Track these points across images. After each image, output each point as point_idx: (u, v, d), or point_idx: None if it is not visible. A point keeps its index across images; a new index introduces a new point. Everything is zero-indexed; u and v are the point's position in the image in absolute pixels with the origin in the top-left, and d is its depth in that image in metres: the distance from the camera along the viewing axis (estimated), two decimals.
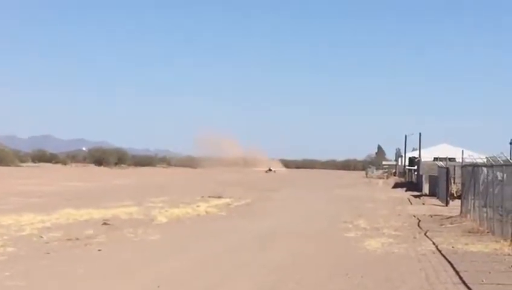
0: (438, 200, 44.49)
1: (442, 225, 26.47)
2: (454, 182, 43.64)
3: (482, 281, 13.51)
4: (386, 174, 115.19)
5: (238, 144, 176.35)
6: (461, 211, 30.92)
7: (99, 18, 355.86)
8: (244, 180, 75.35)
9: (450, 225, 26.15)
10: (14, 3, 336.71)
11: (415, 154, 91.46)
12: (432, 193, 50.32)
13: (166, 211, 29.10)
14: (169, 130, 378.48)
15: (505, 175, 21.75)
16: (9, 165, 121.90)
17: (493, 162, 23.97)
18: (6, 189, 45.19)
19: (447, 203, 39.56)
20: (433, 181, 51.78)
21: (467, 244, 19.58)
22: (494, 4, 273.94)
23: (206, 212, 30.28)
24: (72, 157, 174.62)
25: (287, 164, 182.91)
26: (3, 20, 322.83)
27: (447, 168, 43.06)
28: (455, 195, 40.62)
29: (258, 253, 17.39)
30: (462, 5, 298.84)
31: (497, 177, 23.06)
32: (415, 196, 50.98)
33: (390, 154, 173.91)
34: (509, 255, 17.32)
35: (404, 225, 25.97)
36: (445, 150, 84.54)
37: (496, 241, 19.80)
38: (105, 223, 23.37)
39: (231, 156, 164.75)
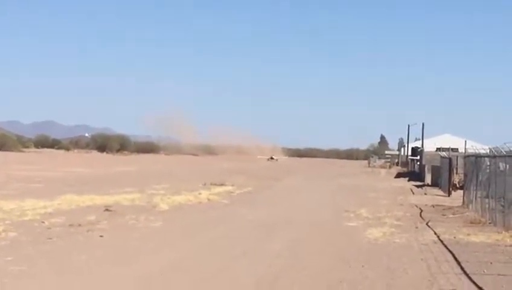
0: (440, 190, 44.48)
1: (444, 215, 26.47)
2: (456, 173, 43.61)
3: (484, 271, 13.53)
4: (388, 164, 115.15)
5: (196, 130, 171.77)
6: (463, 202, 30.92)
7: (102, 8, 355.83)
8: (246, 169, 75.34)
9: (452, 216, 26.15)
10: None
11: (418, 144, 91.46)
12: (434, 183, 50.30)
13: (168, 198, 29.11)
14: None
15: (507, 166, 21.73)
16: (12, 151, 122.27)
17: (496, 153, 23.92)
18: (9, 174, 45.22)
19: (449, 194, 39.56)
20: (436, 171, 51.78)
21: (468, 234, 19.57)
22: None
23: (208, 199, 30.27)
24: (75, 144, 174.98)
25: (290, 153, 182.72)
26: (8, 8, 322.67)
27: (450, 159, 43.03)
28: (457, 185, 40.64)
29: (259, 241, 17.39)
30: None
31: (499, 168, 23.03)
32: (417, 186, 50.99)
33: (393, 144, 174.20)
34: (510, 246, 17.33)
35: (406, 215, 25.97)
36: (448, 140, 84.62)
37: (498, 232, 19.80)
38: (107, 210, 23.38)
39: (189, 141, 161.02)
